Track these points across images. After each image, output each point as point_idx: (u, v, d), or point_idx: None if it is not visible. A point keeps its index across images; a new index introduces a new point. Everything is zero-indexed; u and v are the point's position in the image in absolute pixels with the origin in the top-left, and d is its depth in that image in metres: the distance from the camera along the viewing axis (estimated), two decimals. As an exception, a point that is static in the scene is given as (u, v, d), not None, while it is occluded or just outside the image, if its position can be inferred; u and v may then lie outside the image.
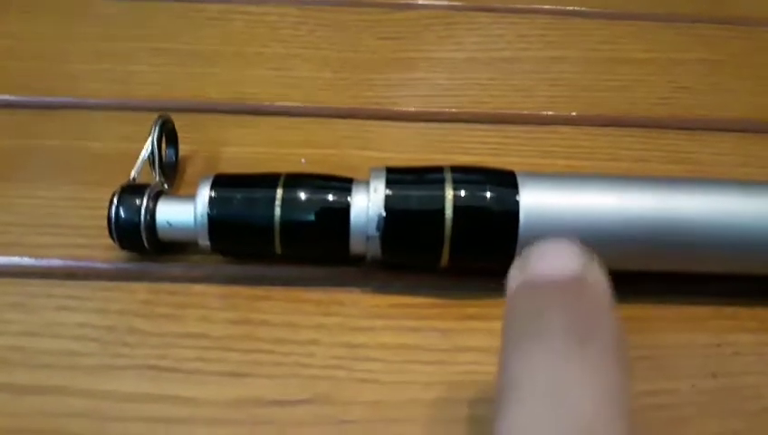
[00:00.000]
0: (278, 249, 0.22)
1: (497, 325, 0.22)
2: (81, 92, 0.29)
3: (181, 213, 0.22)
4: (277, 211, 0.21)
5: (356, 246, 0.21)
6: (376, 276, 0.23)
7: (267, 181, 0.22)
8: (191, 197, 0.22)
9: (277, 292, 0.22)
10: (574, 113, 0.29)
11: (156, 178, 0.24)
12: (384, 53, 0.32)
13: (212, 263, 0.23)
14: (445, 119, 0.29)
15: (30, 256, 0.23)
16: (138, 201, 0.22)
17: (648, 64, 0.32)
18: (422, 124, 0.29)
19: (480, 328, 0.21)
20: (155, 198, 0.22)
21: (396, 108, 0.29)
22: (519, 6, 0.35)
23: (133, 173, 0.23)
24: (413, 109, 0.29)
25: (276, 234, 0.21)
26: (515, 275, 0.14)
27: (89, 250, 0.23)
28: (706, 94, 0.30)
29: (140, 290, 0.22)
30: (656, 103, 0.30)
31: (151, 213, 0.22)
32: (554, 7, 0.35)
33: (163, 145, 0.25)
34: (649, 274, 0.22)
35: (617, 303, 0.14)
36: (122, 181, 0.23)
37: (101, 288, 0.22)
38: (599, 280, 0.14)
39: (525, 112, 0.29)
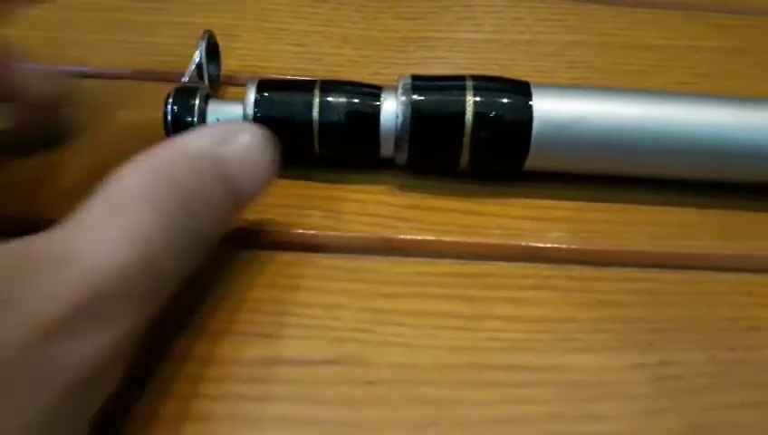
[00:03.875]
0: (317, 148, 0.23)
1: (523, 294, 0.22)
2: (98, 62, 0.29)
3: (230, 112, 0.24)
4: (315, 113, 0.23)
5: (386, 146, 0.23)
6: (402, 246, 0.23)
7: (306, 86, 0.24)
8: (238, 99, 0.24)
9: (306, 258, 0.22)
10: (593, 95, 0.29)
11: (204, 83, 0.26)
12: (404, 32, 0.32)
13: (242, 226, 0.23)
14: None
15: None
16: (191, 100, 0.23)
17: (666, 51, 0.32)
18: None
19: (504, 297, 0.22)
20: (205, 98, 0.24)
21: (416, 85, 0.29)
22: (536, -8, 0.35)
23: (184, 79, 0.25)
24: (433, 87, 0.29)
25: (315, 134, 0.23)
26: None
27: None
28: (723, 80, 0.30)
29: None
30: (673, 88, 0.30)
31: (202, 111, 0.24)
32: (572, -7, 0.35)
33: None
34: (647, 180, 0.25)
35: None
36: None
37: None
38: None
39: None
